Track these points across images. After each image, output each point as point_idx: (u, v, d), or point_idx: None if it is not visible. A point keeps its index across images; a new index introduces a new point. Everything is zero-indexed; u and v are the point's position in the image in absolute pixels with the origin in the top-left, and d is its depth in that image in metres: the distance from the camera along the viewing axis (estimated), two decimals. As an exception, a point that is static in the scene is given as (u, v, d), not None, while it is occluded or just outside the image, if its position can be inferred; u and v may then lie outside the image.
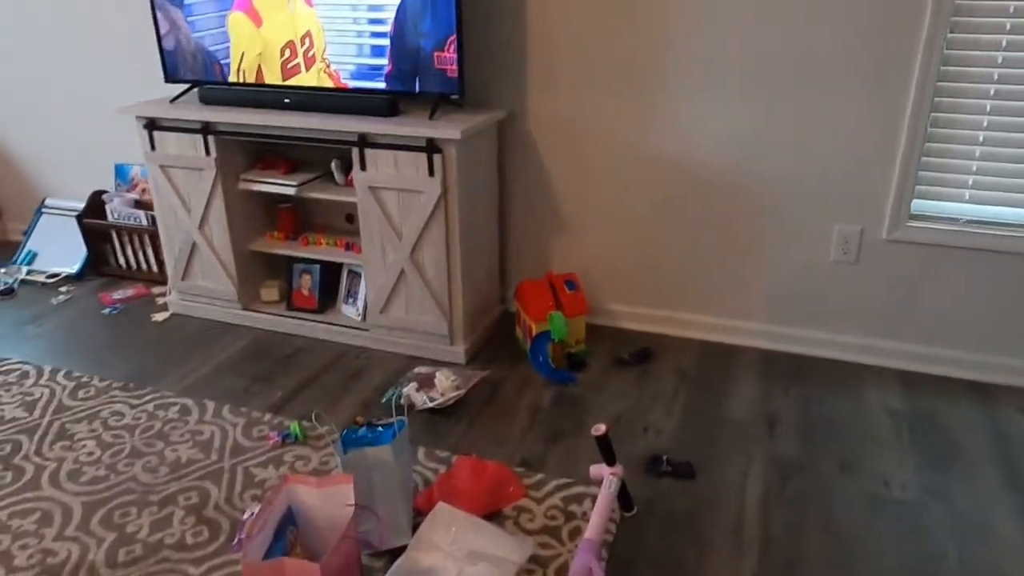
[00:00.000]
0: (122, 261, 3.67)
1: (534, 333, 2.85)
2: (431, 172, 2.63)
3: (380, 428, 2.06)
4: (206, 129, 2.91)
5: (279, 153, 3.19)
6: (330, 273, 3.18)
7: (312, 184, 3.01)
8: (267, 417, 2.56)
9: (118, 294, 3.51)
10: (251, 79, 2.92)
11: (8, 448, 2.42)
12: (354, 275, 3.11)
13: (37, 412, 2.61)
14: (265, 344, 3.08)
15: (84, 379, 2.80)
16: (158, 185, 3.10)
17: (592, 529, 1.87)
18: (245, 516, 1.72)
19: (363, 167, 2.73)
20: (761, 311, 2.95)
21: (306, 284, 3.16)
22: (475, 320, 2.96)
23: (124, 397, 2.70)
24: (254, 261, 3.22)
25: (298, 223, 3.25)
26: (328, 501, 1.70)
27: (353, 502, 1.64)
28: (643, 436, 2.46)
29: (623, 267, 3.08)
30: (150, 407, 2.63)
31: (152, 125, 3.00)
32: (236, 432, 2.48)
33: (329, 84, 2.80)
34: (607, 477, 2.01)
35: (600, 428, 2.01)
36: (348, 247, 3.06)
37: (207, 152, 2.94)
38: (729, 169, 2.79)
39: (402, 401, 2.59)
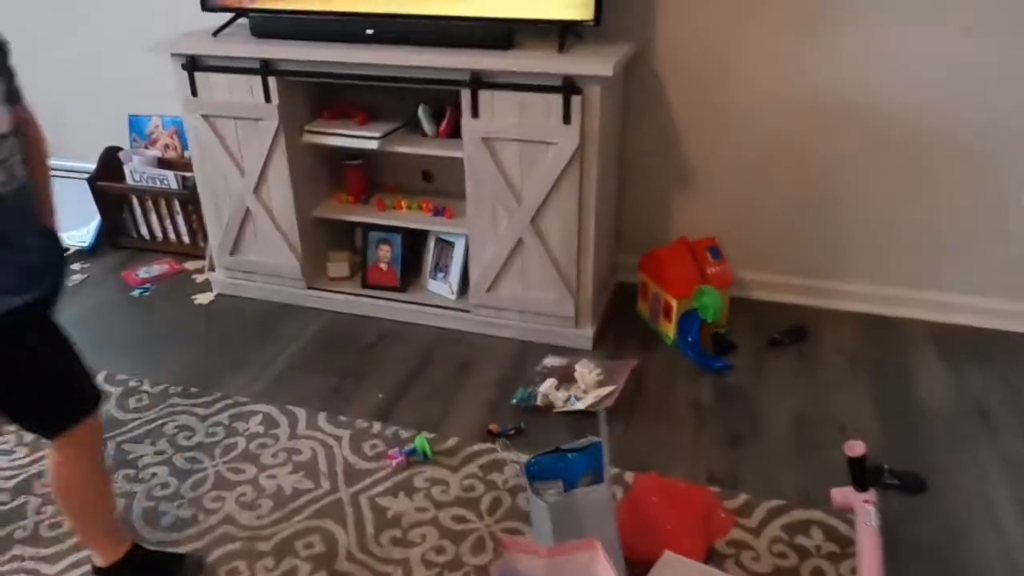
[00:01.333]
0: (144, 231, 3.09)
1: (675, 312, 2.39)
2: (566, 119, 2.11)
3: (567, 452, 1.60)
4: (266, 68, 2.33)
5: (348, 99, 2.62)
6: (412, 243, 2.66)
7: (395, 136, 2.47)
8: (375, 427, 2.08)
9: (145, 272, 2.95)
10: (316, 5, 2.34)
11: (56, 481, 1.91)
12: (444, 245, 2.60)
13: (82, 429, 2.09)
14: (341, 331, 2.57)
15: (132, 383, 2.28)
16: (201, 140, 2.53)
17: (869, 580, 1.46)
18: None
19: (475, 113, 2.20)
20: (934, 278, 2.53)
21: (384, 257, 2.65)
22: (598, 297, 2.49)
23: (187, 405, 2.18)
24: (318, 230, 2.69)
25: (368, 183, 2.72)
26: (561, 571, 1.25)
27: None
28: (842, 438, 2.04)
29: (762, 230, 2.61)
30: (224, 418, 2.13)
31: (193, 65, 2.41)
32: (343, 449, 2.00)
33: (427, 10, 2.24)
34: (861, 507, 1.59)
35: (857, 447, 1.58)
36: (437, 211, 2.54)
37: (267, 98, 2.37)
38: (930, 117, 2.31)
39: (539, 402, 2.13)
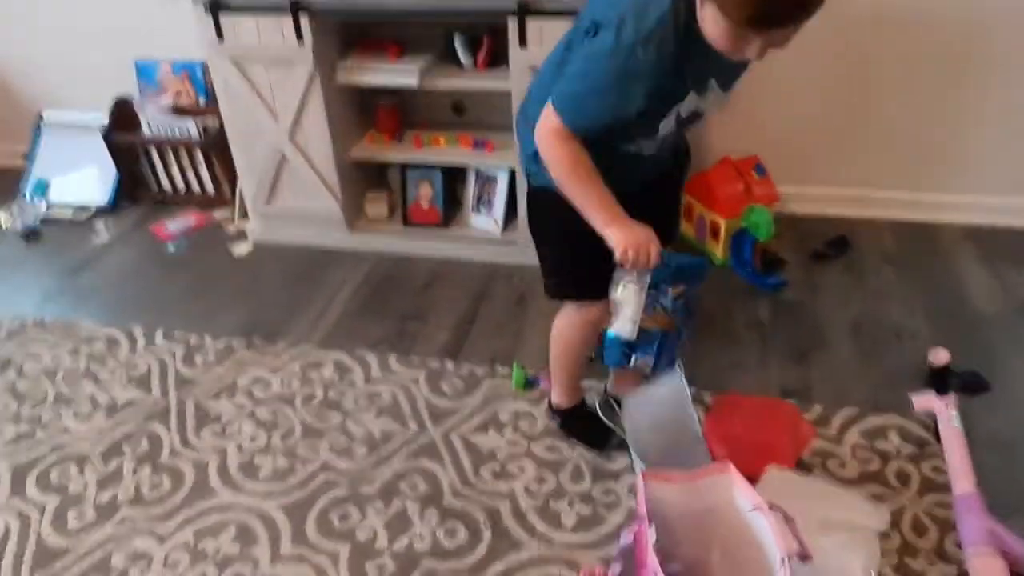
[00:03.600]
0: (166, 183, 3.01)
1: (724, 232, 2.42)
2: (619, 43, 2.06)
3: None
4: (296, 6, 2.24)
5: (376, 33, 2.53)
6: (451, 179, 2.64)
7: (433, 71, 2.40)
8: (448, 365, 2.11)
9: (174, 225, 2.89)
10: (341, -66, 2.23)
11: (145, 443, 1.92)
12: (486, 179, 2.57)
13: (156, 390, 2.09)
14: (389, 272, 2.57)
15: (192, 340, 2.27)
16: (230, 86, 2.44)
17: (961, 479, 1.55)
18: (622, 542, 1.30)
19: (523, 43, 2.14)
20: (968, 180, 2.57)
21: (425, 195, 2.62)
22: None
23: (255, 358, 2.19)
24: (354, 172, 2.64)
25: (400, 121, 2.66)
26: (690, 500, 1.31)
27: (763, 503, 1.23)
28: (899, 343, 2.12)
29: (794, 143, 2.62)
30: (296, 368, 2.14)
31: (217, 6, 2.30)
32: (421, 389, 2.03)
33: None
34: (944, 410, 1.67)
35: (941, 356, 1.66)
36: (478, 145, 2.51)
37: (299, 37, 2.28)
38: (960, 17, 2.30)
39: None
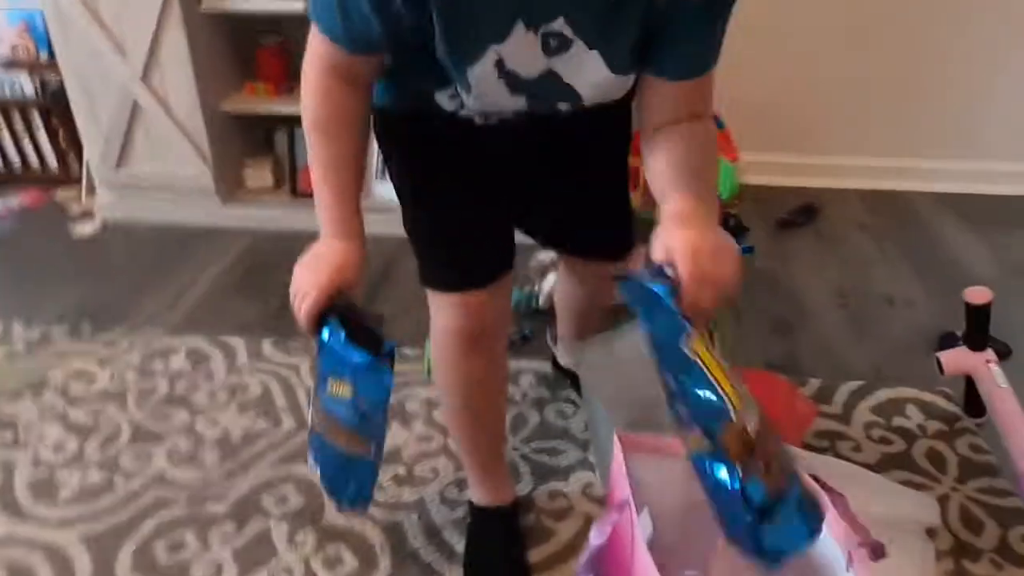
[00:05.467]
0: (-5, 157, 2.44)
1: (677, 193, 2.04)
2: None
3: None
4: (145, -97, 1.77)
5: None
6: (350, 140, 2.18)
7: (323, -3, 1.97)
8: (341, 350, 1.61)
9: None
10: None
11: None
12: (393, 137, 2.13)
13: (-71, 390, 1.52)
14: (272, 249, 2.06)
15: (-4, 328, 1.71)
16: (62, 11, 1.93)
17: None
18: (592, 542, 0.80)
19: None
20: (937, 146, 2.29)
21: (318, 157, 2.15)
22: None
23: (80, 348, 1.64)
24: (229, 130, 2.14)
25: (288, 68, 2.19)
26: (684, 481, 0.86)
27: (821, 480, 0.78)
28: (892, 309, 1.76)
29: (749, 107, 2.29)
30: (133, 359, 1.60)
31: (42, -96, 1.81)
32: (303, 379, 1.53)
33: None
34: (984, 369, 1.29)
35: (980, 293, 1.28)
36: (382, 95, 2.07)
37: (149, -56, 1.81)
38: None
39: (541, 303, 1.73)
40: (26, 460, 1.34)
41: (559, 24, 0.77)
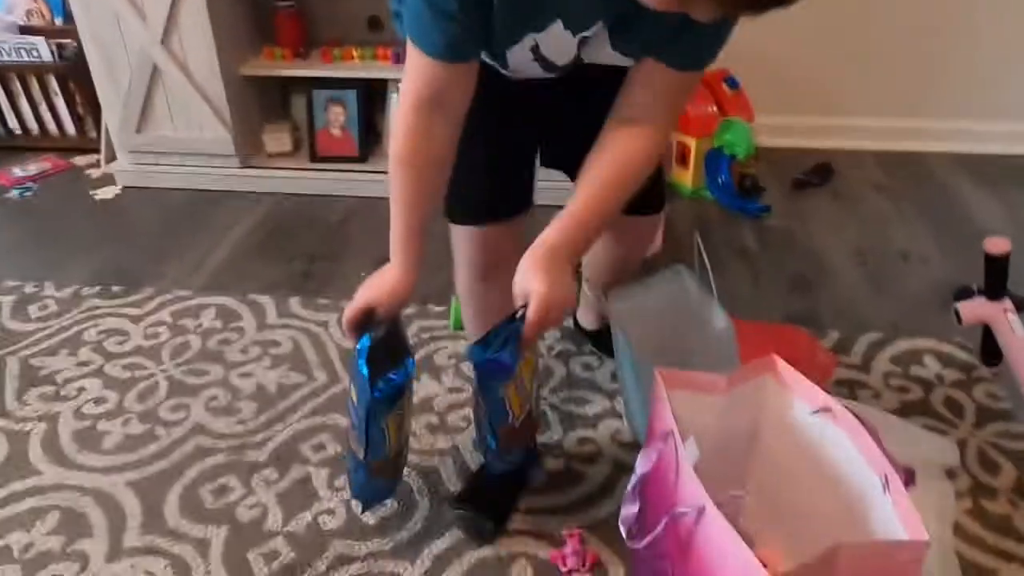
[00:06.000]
0: (12, 122, 2.45)
1: (693, 155, 2.06)
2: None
3: None
4: None
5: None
6: (368, 105, 2.19)
7: (341, -42, 1.97)
8: (368, 307, 1.65)
9: (20, 170, 2.33)
10: None
11: (-59, 412, 1.38)
12: (411, 100, 2.14)
13: (-33, 348, 1.55)
14: (294, 213, 2.09)
15: (28, 289, 1.73)
16: (82, -25, 1.94)
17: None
18: (638, 471, 0.81)
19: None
20: (958, 106, 2.30)
21: (337, 120, 2.16)
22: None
23: (112, 307, 1.67)
24: (248, 94, 2.16)
25: (304, 34, 2.20)
26: (724, 418, 0.89)
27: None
28: (907, 265, 1.79)
29: (765, 69, 2.29)
30: (165, 316, 1.64)
31: None
32: (332, 334, 1.56)
33: None
34: (1001, 318, 1.32)
35: (1000, 243, 1.31)
36: (401, 59, 2.08)
37: (169, -95, 1.81)
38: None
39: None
40: (68, 413, 1.38)
41: (595, 29, 0.88)
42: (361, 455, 1.03)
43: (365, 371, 0.97)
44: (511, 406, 0.98)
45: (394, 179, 0.97)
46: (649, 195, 1.19)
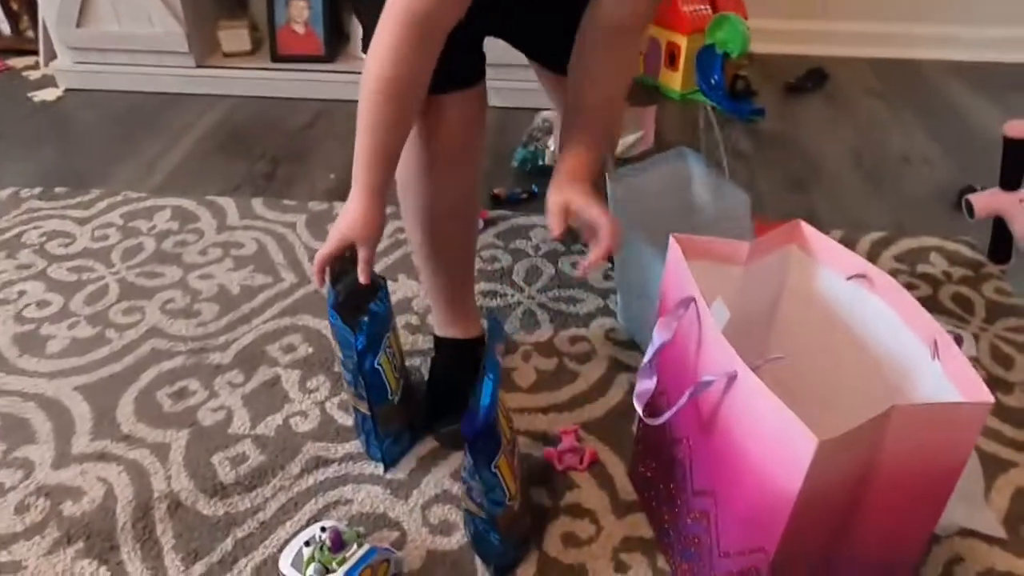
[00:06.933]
0: (-60, 21, 2.23)
1: (683, 54, 1.94)
2: None
3: None
4: None
5: None
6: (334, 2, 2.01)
7: None
8: (340, 207, 1.52)
9: (-49, 72, 2.13)
10: None
11: None
12: (380, -7, 1.97)
13: None
14: (254, 116, 1.93)
15: (-41, 191, 1.58)
16: None
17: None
18: (656, 341, 0.71)
19: None
20: (948, 10, 2.20)
21: (300, 16, 1.98)
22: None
23: (55, 208, 1.52)
24: (200, -14, 1.97)
25: (262, -82, 2.00)
26: (744, 291, 0.80)
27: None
28: (908, 167, 1.71)
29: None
30: (115, 218, 1.50)
31: None
32: (301, 235, 1.43)
33: None
34: (1018, 208, 1.24)
35: (1020, 126, 1.22)
36: (368, -56, 1.90)
37: None
38: None
39: (547, 160, 1.64)
40: (6, 316, 1.24)
41: None
42: (366, 408, 0.94)
43: (340, 321, 0.89)
44: (507, 484, 0.81)
45: (368, 104, 0.84)
46: None
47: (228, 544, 0.90)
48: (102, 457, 1.00)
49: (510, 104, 1.85)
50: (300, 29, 1.99)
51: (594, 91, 0.93)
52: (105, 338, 1.20)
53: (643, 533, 0.91)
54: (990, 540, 0.90)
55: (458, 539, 0.91)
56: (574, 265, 1.36)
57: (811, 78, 2.09)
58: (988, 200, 1.28)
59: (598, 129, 0.94)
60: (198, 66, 1.99)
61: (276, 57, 2.02)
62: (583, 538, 0.90)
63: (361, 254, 0.87)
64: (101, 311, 1.26)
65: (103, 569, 0.87)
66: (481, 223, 1.43)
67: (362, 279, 0.87)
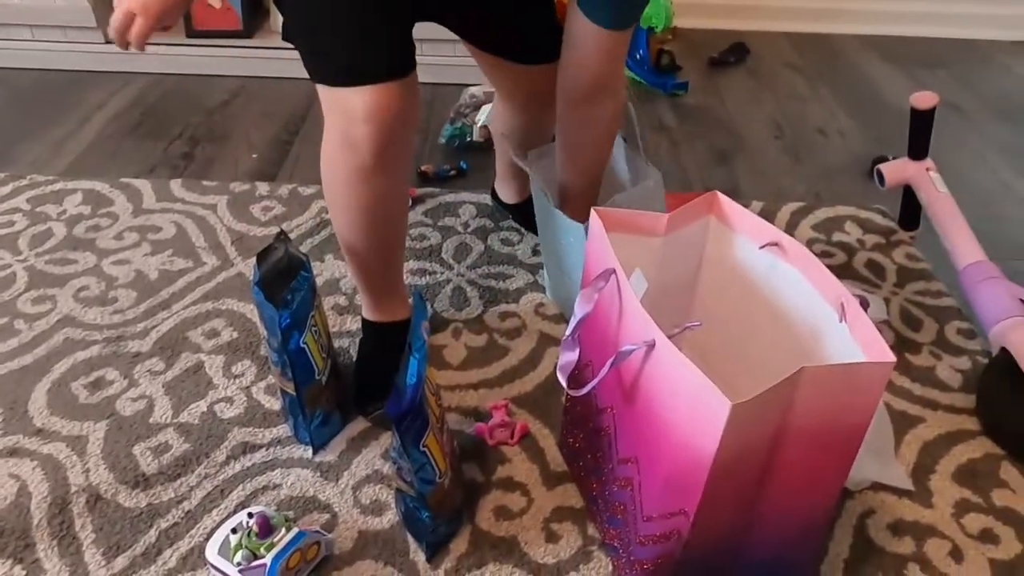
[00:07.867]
0: None
1: (609, 28, 1.94)
2: None
3: None
4: None
5: None
6: (250, -31, 1.94)
7: None
8: (262, 188, 1.48)
9: None
10: None
11: None
12: (300, -35, 1.91)
13: None
14: (169, 93, 1.86)
15: None
16: None
17: (965, 249, 1.18)
18: (578, 314, 0.69)
19: None
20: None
21: (215, -12, 1.91)
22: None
23: (-47, 195, 1.44)
24: (105, -43, 1.87)
25: None
26: (662, 263, 0.81)
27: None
28: (824, 139, 1.77)
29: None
30: (20, 203, 1.42)
31: None
32: (223, 217, 1.39)
33: None
34: (923, 176, 1.30)
35: (926, 98, 1.27)
36: (285, -86, 1.83)
37: None
38: None
39: (475, 136, 1.63)
40: (-96, 310, 1.18)
41: None
42: (292, 389, 0.92)
43: (264, 298, 0.88)
44: (436, 462, 0.81)
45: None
46: (544, 42, 1.06)
47: (152, 535, 0.87)
48: (14, 453, 0.96)
49: (437, 80, 1.83)
50: (216, 3, 1.91)
51: (573, 167, 1.06)
52: (13, 329, 1.14)
53: (573, 503, 0.93)
54: (899, 492, 0.95)
55: (390, 518, 0.91)
56: (504, 241, 1.36)
57: (733, 52, 2.13)
58: (898, 169, 1.33)
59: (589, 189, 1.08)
60: (107, 42, 1.90)
61: (192, 32, 1.94)
62: (515, 511, 0.92)
63: (137, 23, 0.83)
64: (8, 301, 1.20)
65: (18, 568, 0.84)
66: (409, 201, 1.41)
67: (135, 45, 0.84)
